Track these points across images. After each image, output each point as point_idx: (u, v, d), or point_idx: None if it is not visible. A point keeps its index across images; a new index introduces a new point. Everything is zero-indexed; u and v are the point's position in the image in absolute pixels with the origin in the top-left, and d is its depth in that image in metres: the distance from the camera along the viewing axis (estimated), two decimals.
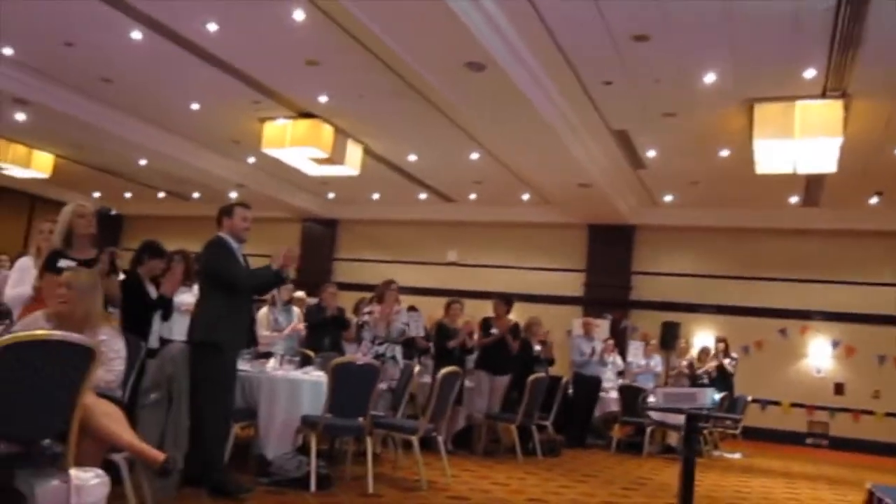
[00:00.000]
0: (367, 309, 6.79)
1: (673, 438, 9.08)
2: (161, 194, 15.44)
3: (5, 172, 13.00)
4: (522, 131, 8.71)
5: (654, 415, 8.75)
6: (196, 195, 15.12)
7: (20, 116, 10.24)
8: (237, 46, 7.84)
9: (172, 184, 14.28)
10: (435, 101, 8.59)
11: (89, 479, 3.15)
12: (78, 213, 4.37)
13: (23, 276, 4.60)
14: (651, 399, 4.27)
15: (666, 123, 8.90)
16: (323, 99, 9.11)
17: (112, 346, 3.63)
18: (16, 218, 15.42)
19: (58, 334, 3.00)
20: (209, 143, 11.38)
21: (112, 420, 3.30)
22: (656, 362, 10.59)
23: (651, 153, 10.12)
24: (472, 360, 8.15)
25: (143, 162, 12.38)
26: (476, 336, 8.05)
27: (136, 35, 7.68)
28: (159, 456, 3.40)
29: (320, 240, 15.26)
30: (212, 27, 7.38)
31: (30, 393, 2.88)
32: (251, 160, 12.01)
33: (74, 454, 3.10)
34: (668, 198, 12.36)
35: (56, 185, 14.57)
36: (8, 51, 8.42)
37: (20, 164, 12.47)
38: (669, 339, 12.26)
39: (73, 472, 3.09)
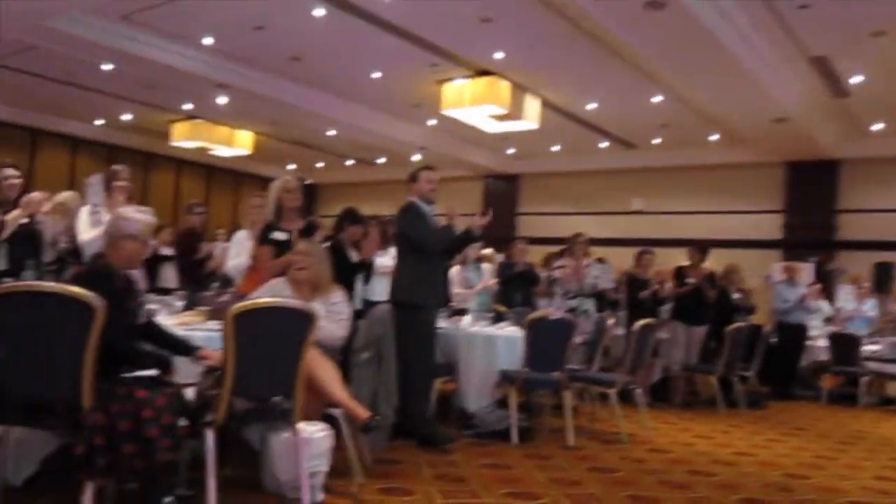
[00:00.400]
0: (557, 263, 6.78)
1: (893, 389, 8.39)
2: (349, 162, 16.19)
3: (212, 153, 14.17)
4: (709, 68, 8.23)
5: (871, 364, 8.12)
6: (381, 160, 15.72)
7: (222, 100, 11.06)
8: (413, 12, 7.98)
9: (359, 151, 14.92)
10: (613, 46, 8.30)
11: (315, 432, 3.42)
12: (285, 187, 4.67)
13: (240, 249, 5.03)
14: (872, 348, 3.95)
15: (874, 44, 8.05)
16: (499, 55, 9.09)
17: (342, 309, 3.93)
18: (225, 194, 16.78)
19: (281, 301, 3.26)
20: (391, 109, 11.73)
21: (328, 376, 3.56)
22: (870, 307, 9.77)
23: (856, 79, 9.22)
24: (665, 310, 7.94)
25: (332, 132, 13.04)
26: (669, 285, 7.83)
27: (319, 12, 8.01)
28: (364, 414, 3.64)
29: (502, 196, 15.36)
30: None
31: (263, 355, 3.16)
32: (432, 122, 12.27)
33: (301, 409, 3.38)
34: (877, 126, 11.23)
35: (256, 161, 15.68)
36: (208, 41, 9.10)
37: (224, 143, 13.53)
38: (884, 281, 11.23)
39: (301, 425, 3.37)
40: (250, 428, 3.59)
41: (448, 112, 10.34)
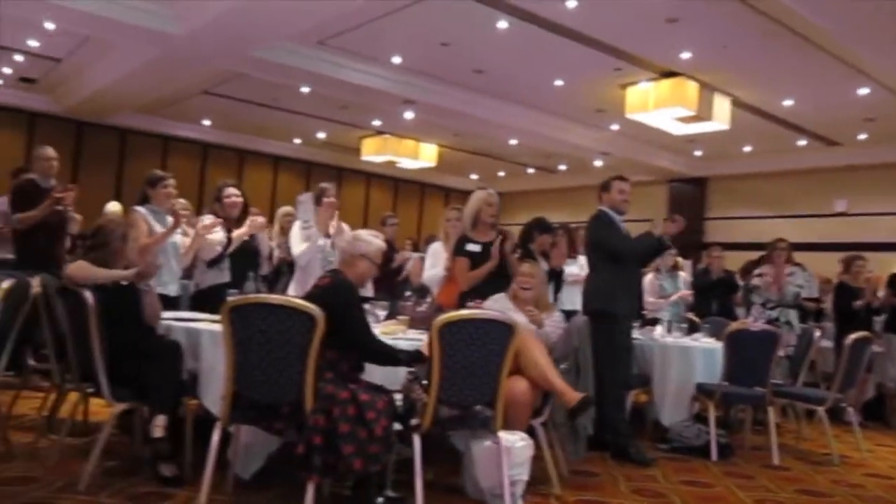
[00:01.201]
0: (757, 271, 6.44)
1: None
2: (530, 170, 16.27)
3: (399, 165, 14.75)
4: None
5: None
6: (562, 167, 15.66)
7: (409, 115, 11.50)
8: (596, 18, 7.89)
9: (541, 159, 14.95)
10: (812, 38, 7.77)
11: (516, 441, 3.48)
12: (487, 201, 4.78)
13: (435, 259, 5.21)
14: None
15: None
16: (685, 56, 8.79)
17: (558, 325, 4.11)
18: (410, 205, 17.39)
19: (484, 313, 3.37)
20: (573, 115, 11.67)
21: (543, 360, 3.65)
22: None
23: None
24: (878, 322, 7.30)
25: (513, 141, 13.17)
26: (882, 294, 7.19)
27: (502, 24, 8.13)
28: (575, 396, 3.68)
29: (689, 200, 14.78)
30: (570, 3, 7.52)
31: (466, 364, 3.26)
32: (614, 127, 12.07)
33: (502, 419, 3.45)
34: None
35: (440, 172, 16.14)
36: (396, 59, 9.50)
37: (410, 156, 14.04)
38: None
39: (502, 434, 3.45)
40: (455, 434, 3.71)
41: (632, 116, 10.12)
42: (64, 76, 11.15)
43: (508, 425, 3.54)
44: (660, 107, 9.69)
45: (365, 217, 15.33)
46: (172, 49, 8.62)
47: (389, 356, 3.40)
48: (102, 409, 4.54)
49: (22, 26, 8.78)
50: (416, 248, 10.03)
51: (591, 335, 4.22)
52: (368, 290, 7.11)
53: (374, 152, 13.95)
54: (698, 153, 13.79)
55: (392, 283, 7.28)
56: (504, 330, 3.31)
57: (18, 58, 10.29)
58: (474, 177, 17.40)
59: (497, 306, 4.14)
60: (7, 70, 10.92)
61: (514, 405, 3.58)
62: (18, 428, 4.47)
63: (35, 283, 3.70)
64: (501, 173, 16.84)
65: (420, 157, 14.13)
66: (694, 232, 13.95)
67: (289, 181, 15.41)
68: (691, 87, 9.54)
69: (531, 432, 3.73)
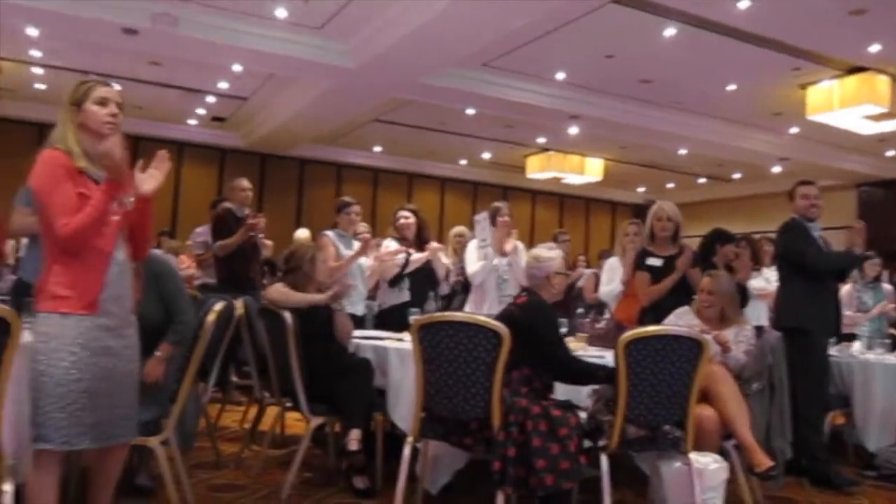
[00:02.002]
0: None
1: None
2: (701, 180, 15.66)
3: (564, 181, 14.67)
4: None
5: None
6: (736, 175, 14.96)
7: (573, 130, 11.43)
8: (771, 17, 7.50)
9: (712, 168, 14.36)
10: None
11: (709, 463, 3.33)
12: (657, 215, 4.66)
13: (612, 275, 5.13)
14: None
15: None
16: (874, 49, 8.15)
17: (749, 338, 3.94)
18: (576, 220, 17.19)
19: (672, 329, 3.27)
20: (748, 120, 11.13)
21: (737, 410, 3.48)
22: None
23: None
24: None
25: (682, 151, 12.74)
26: None
27: (670, 32, 7.91)
28: (764, 462, 3.46)
29: (881, 204, 13.64)
30: (743, 4, 7.20)
31: (654, 382, 3.18)
32: (794, 130, 11.39)
33: (693, 440, 3.32)
34: None
35: (606, 186, 15.90)
36: (561, 76, 9.49)
37: (576, 171, 13.93)
38: None
39: (693, 455, 3.31)
40: (640, 454, 3.62)
41: (814, 117, 9.50)
42: (249, 113, 12.05)
43: (698, 447, 3.40)
44: (846, 105, 9.04)
45: (531, 234, 15.34)
46: (347, 81, 9.10)
47: (589, 373, 3.40)
48: (296, 423, 4.84)
49: (214, 70, 9.60)
50: (588, 265, 9.90)
51: (786, 353, 3.98)
52: None
53: (539, 169, 13.97)
54: (891, 153, 12.70)
55: (565, 299, 7.22)
56: (693, 346, 3.20)
57: (210, 99, 11.24)
58: (641, 190, 16.99)
59: (681, 322, 4.00)
60: (201, 111, 11.96)
61: (701, 431, 3.43)
62: (225, 439, 4.83)
63: (238, 305, 3.99)
64: (671, 185, 16.32)
65: (586, 171, 13.99)
66: (889, 239, 12.82)
67: (456, 202, 15.75)
68: (882, 82, 8.82)
69: (724, 454, 3.56)
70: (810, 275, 4.37)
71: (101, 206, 2.39)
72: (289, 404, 3.95)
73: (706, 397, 3.51)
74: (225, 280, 5.77)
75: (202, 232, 6.60)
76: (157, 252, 4.55)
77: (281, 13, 7.73)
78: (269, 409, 4.58)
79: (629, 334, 3.16)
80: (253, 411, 4.82)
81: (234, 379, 5.04)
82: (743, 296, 5.10)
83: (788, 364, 3.99)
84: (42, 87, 10.84)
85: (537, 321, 3.30)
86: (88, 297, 2.42)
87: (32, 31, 8.21)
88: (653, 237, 4.65)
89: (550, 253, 3.61)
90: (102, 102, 2.51)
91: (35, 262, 3.90)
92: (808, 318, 4.32)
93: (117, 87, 2.61)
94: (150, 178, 2.52)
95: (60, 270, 2.42)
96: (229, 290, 5.28)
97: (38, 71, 10.14)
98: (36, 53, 9.37)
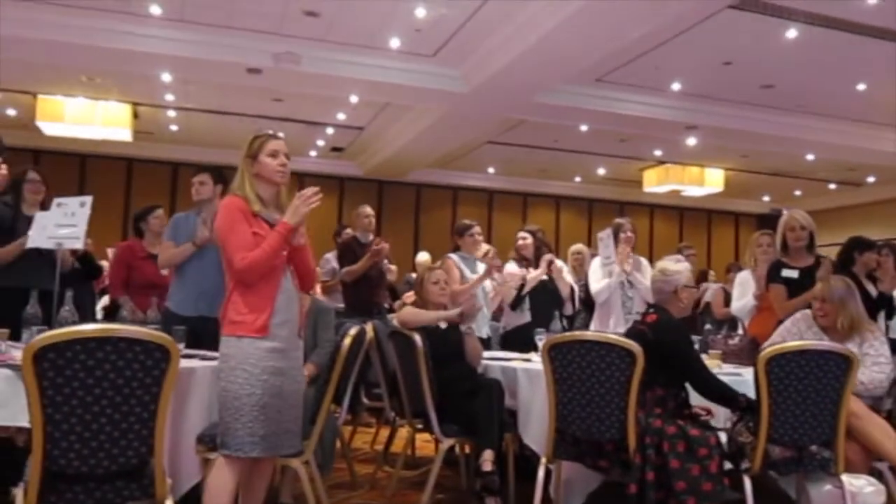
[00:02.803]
0: None
1: None
2: (832, 185, 14.87)
3: (683, 194, 14.28)
4: None
5: None
6: (870, 179, 14.11)
7: (691, 141, 11.12)
8: None
9: (843, 172, 13.60)
10: None
11: (863, 486, 3.15)
12: (789, 225, 4.47)
13: (744, 289, 4.94)
14: None
15: None
16: None
17: (880, 351, 3.64)
18: (698, 233, 16.64)
19: (813, 344, 3.11)
20: (882, 120, 10.47)
21: (880, 432, 3.27)
22: None
23: None
24: None
25: (810, 157, 12.15)
26: None
27: (792, 33, 7.60)
28: None
29: None
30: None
31: (799, 400, 3.04)
32: None
33: (843, 461, 3.14)
34: None
35: (727, 197, 15.34)
36: (676, 86, 9.28)
37: (695, 183, 13.53)
38: None
39: (845, 478, 3.13)
40: (789, 479, 3.45)
41: None
42: (366, 142, 12.41)
43: (849, 468, 3.21)
44: None
45: (650, 249, 14.97)
46: (460, 106, 9.25)
47: (728, 396, 3.28)
48: (426, 444, 4.91)
49: (332, 102, 9.97)
50: (706, 278, 9.56)
51: None
52: None
53: (656, 183, 13.66)
54: None
55: (691, 315, 7.01)
56: (841, 361, 3.04)
57: (329, 130, 11.66)
58: (766, 199, 16.29)
59: (794, 329, 3.79)
60: (321, 142, 12.42)
61: (847, 464, 3.23)
62: (357, 460, 4.95)
63: (368, 329, 4.11)
64: (798, 192, 15.57)
65: (706, 183, 13.57)
66: None
67: (571, 219, 15.61)
68: None
69: (877, 476, 3.35)
70: None
71: (276, 244, 2.73)
72: (419, 426, 4.02)
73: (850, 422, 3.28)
74: (353, 305, 5.95)
75: (330, 258, 6.84)
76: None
77: (395, 43, 7.96)
78: (400, 430, 4.66)
79: (770, 350, 3.04)
80: (384, 433, 4.93)
81: (365, 401, 5.16)
82: (890, 306, 4.80)
83: None
84: (175, 128, 11.58)
85: (674, 341, 3.22)
86: (260, 322, 2.72)
87: (166, 77, 8.80)
88: (786, 248, 4.45)
89: (678, 266, 3.52)
90: (274, 154, 2.85)
91: (180, 293, 4.19)
92: None
93: (281, 134, 2.96)
94: (293, 211, 2.80)
95: (237, 299, 2.76)
96: (357, 315, 5.45)
97: (171, 114, 10.84)
98: (169, 97, 10.02)
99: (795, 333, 3.85)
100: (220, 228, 2.80)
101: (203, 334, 3.67)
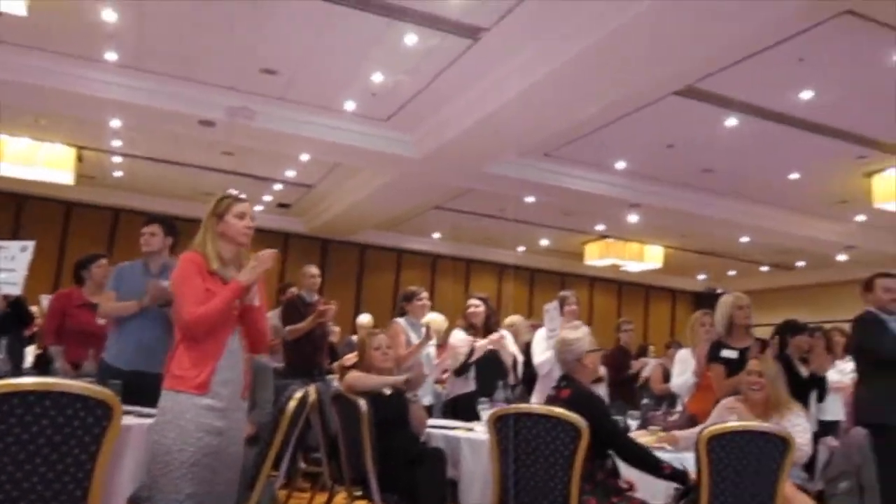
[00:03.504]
0: None
1: None
2: (764, 268, 15.41)
3: (623, 268, 14.59)
4: None
5: None
6: (800, 263, 14.68)
7: (633, 218, 11.43)
8: (834, 106, 7.50)
9: (775, 255, 14.13)
10: None
11: None
12: (737, 304, 4.61)
13: (684, 367, 5.05)
14: None
15: None
16: None
17: (803, 427, 3.75)
18: (636, 307, 16.93)
19: (754, 425, 3.18)
20: (811, 209, 10.99)
21: None
22: None
23: None
24: None
25: (745, 239, 12.59)
26: None
27: (731, 122, 7.96)
28: None
29: None
30: (806, 95, 7.24)
31: (735, 482, 3.08)
32: (860, 218, 11.18)
33: None
34: None
35: (665, 274, 15.73)
36: (621, 165, 9.59)
37: (635, 259, 13.86)
38: None
39: None
40: None
41: (882, 206, 9.35)
42: (314, 200, 12.41)
43: None
44: None
45: (590, 321, 15.12)
46: (411, 171, 9.35)
47: (650, 464, 3.30)
48: None
49: (283, 159, 9.97)
50: (645, 352, 9.72)
51: (874, 450, 3.82)
52: (603, 397, 7.05)
53: (597, 256, 13.94)
54: None
55: (630, 389, 7.11)
56: (779, 443, 3.11)
57: (278, 186, 11.62)
58: (702, 277, 16.76)
59: (719, 420, 3.86)
60: (268, 198, 12.35)
61: None
62: None
63: (311, 392, 4.04)
64: (732, 272, 16.08)
65: (645, 259, 13.92)
66: None
67: (513, 288, 15.74)
68: None
69: None
70: (889, 368, 4.23)
71: (225, 301, 2.76)
72: (358, 493, 3.93)
73: None
74: (294, 365, 5.85)
75: (271, 317, 6.73)
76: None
77: (350, 106, 8.05)
78: (337, 497, 4.55)
79: (712, 429, 3.09)
80: (319, 499, 4.79)
81: (302, 465, 5.03)
82: (821, 388, 4.95)
83: (877, 462, 3.83)
84: (119, 174, 11.38)
85: (592, 414, 3.20)
86: (200, 379, 2.72)
87: (116, 123, 8.69)
88: (729, 327, 4.58)
89: (577, 333, 3.56)
90: (241, 216, 2.91)
91: (118, 345, 4.06)
92: (891, 413, 4.15)
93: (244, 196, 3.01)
94: (249, 271, 2.86)
95: (182, 353, 2.76)
96: (298, 376, 5.36)
97: (117, 160, 10.67)
98: (117, 143, 9.88)
99: (722, 414, 3.93)
100: (175, 281, 2.85)
101: (140, 389, 3.55)
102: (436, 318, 8.23)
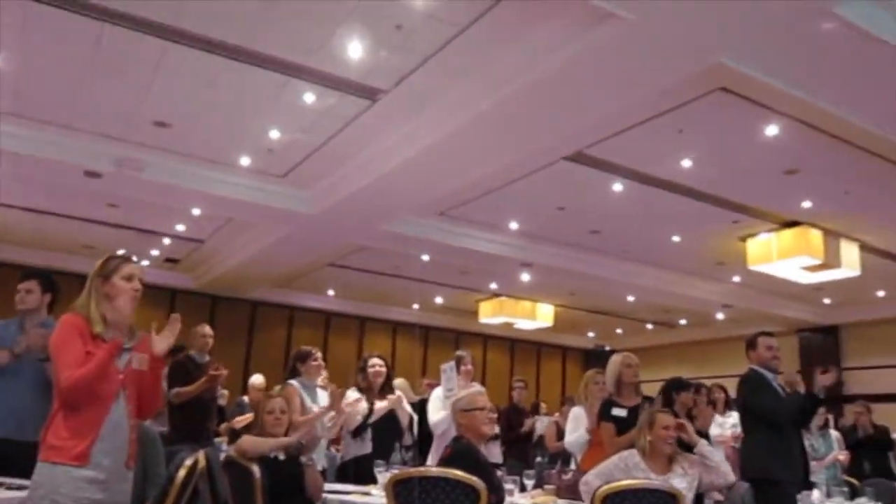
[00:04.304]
0: None
1: None
2: (649, 326, 16.02)
3: (516, 326, 14.84)
4: None
5: None
6: (682, 322, 15.35)
7: (525, 277, 11.70)
8: (712, 174, 8.00)
9: (659, 314, 14.74)
10: None
11: None
12: (626, 363, 4.76)
13: (577, 424, 5.13)
14: None
15: None
16: (806, 205, 8.71)
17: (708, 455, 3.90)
18: (528, 365, 17.21)
19: (648, 483, 3.26)
20: (693, 270, 11.58)
21: None
22: None
23: None
24: None
25: (631, 298, 13.09)
26: None
27: (618, 187, 8.34)
28: None
29: (820, 350, 14.05)
30: (686, 163, 7.69)
31: None
32: (736, 279, 11.87)
33: None
34: None
35: (556, 332, 16.10)
36: (514, 225, 9.83)
37: (527, 317, 14.15)
38: None
39: None
40: None
41: (755, 267, 9.96)
42: (204, 255, 12.06)
43: None
44: (784, 257, 9.53)
45: (483, 379, 15.30)
46: (305, 227, 9.26)
47: None
48: None
49: (172, 213, 9.68)
50: (537, 410, 9.87)
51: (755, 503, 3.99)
52: (497, 456, 7.06)
53: (491, 314, 14.15)
54: (827, 301, 13.27)
55: (524, 447, 7.16)
56: (668, 499, 3.20)
57: (166, 241, 11.25)
58: (591, 335, 17.26)
59: (622, 464, 3.95)
60: (155, 252, 11.91)
61: None
62: None
63: (201, 458, 3.86)
64: (619, 330, 16.64)
65: (537, 317, 14.23)
66: (830, 386, 13.13)
67: (407, 346, 15.70)
68: (815, 236, 9.37)
69: None
70: (773, 425, 4.44)
71: (101, 362, 2.60)
72: None
73: None
74: (180, 429, 5.56)
75: None
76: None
77: (245, 161, 7.94)
78: None
79: (606, 488, 3.15)
80: None
81: None
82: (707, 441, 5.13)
83: None
84: None
85: (467, 466, 3.25)
86: (79, 449, 2.55)
87: None
88: (618, 385, 4.71)
89: (464, 392, 3.69)
90: (129, 278, 2.81)
91: None
92: (774, 468, 4.35)
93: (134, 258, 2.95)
94: (163, 340, 2.79)
95: (59, 422, 2.59)
96: (185, 441, 5.12)
97: None
98: None
99: (623, 469, 3.98)
100: (53, 344, 2.68)
101: (9, 459, 3.31)
102: (255, 381, 8.11)
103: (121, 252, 2.94)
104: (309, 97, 6.46)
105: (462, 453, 3.44)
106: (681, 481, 3.67)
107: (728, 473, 3.89)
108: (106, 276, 2.79)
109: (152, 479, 3.54)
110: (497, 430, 6.79)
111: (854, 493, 5.63)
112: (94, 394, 2.59)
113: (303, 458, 3.75)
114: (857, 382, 13.30)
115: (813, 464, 6.21)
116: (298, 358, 5.13)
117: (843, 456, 6.39)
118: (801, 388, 4.64)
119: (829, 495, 5.34)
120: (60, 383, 2.57)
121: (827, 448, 6.37)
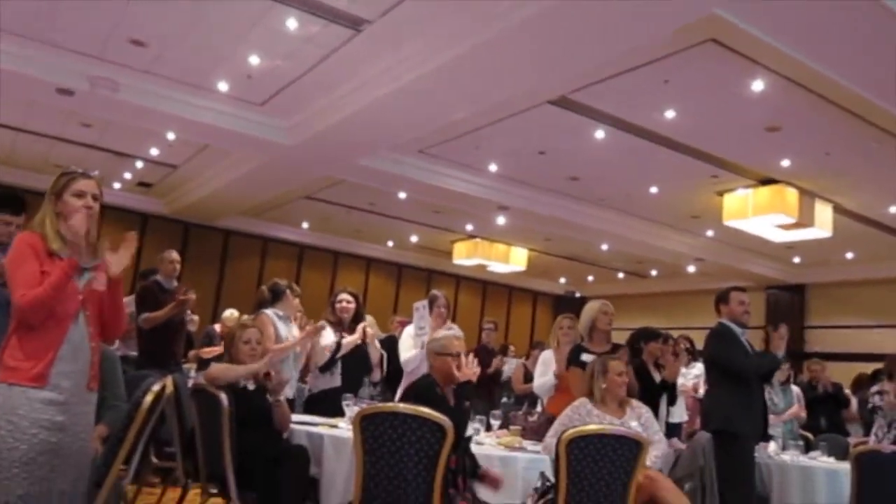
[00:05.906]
0: (875, 388, 6.15)
1: None
2: (620, 275, 16.16)
3: (489, 269, 14.89)
4: None
5: None
6: (654, 272, 15.51)
7: (501, 220, 11.69)
8: (694, 127, 7.98)
9: (632, 264, 14.87)
10: None
11: None
12: (603, 310, 4.79)
13: (546, 368, 5.19)
14: None
15: None
16: (785, 163, 8.74)
17: (654, 423, 3.95)
18: (499, 307, 17.32)
19: (611, 429, 3.31)
20: (668, 221, 11.64)
21: (671, 494, 3.51)
22: None
23: None
24: None
25: (604, 247, 13.17)
26: None
27: (600, 134, 8.28)
28: None
29: (787, 307, 14.32)
30: (669, 114, 7.64)
31: (591, 482, 3.20)
32: (710, 233, 11.96)
33: None
34: None
35: (528, 276, 16.20)
36: (493, 167, 9.76)
37: (501, 260, 14.19)
38: None
39: None
40: None
41: (730, 223, 10.03)
42: (178, 181, 11.86)
43: None
44: (759, 214, 9.58)
45: (454, 319, 15.35)
46: (282, 158, 9.11)
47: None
48: None
49: (147, 136, 9.45)
50: (506, 352, 9.97)
51: (715, 454, 4.08)
52: None
53: (465, 256, 14.16)
54: (797, 260, 13.46)
55: (491, 388, 7.25)
56: (633, 446, 3.25)
57: (139, 164, 11.02)
58: (563, 281, 17.38)
59: (577, 415, 4.02)
60: (127, 175, 11.68)
61: None
62: None
63: (168, 384, 3.85)
64: (590, 278, 16.77)
65: (510, 261, 14.26)
66: (794, 341, 13.43)
67: (380, 283, 15.73)
68: (791, 195, 9.43)
69: None
70: (738, 379, 4.52)
71: (57, 282, 2.54)
72: (214, 490, 3.79)
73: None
74: (148, 354, 5.56)
75: (127, 302, 6.36)
76: None
77: (223, 87, 7.74)
78: (191, 493, 4.36)
79: (571, 432, 3.19)
80: (171, 494, 4.59)
81: (154, 460, 4.79)
82: (673, 392, 5.22)
83: (718, 465, 4.09)
84: None
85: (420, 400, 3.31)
86: (37, 370, 2.53)
87: None
88: (591, 333, 4.75)
89: (441, 332, 3.74)
90: (79, 195, 2.72)
91: None
92: (737, 421, 4.44)
93: (95, 174, 2.86)
94: (118, 260, 2.70)
95: (16, 343, 2.57)
96: (153, 366, 5.12)
97: None
98: None
99: (578, 418, 4.05)
100: (9, 264, 2.64)
101: None
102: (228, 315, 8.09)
103: (76, 168, 2.82)
104: (292, 23, 6.26)
105: (417, 389, 3.50)
106: (636, 424, 3.77)
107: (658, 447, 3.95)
108: (57, 193, 2.73)
109: (110, 402, 3.44)
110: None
111: (808, 447, 5.79)
112: (51, 314, 2.55)
113: (270, 398, 3.74)
114: (818, 341, 13.60)
115: (771, 418, 6.37)
116: (274, 291, 5.09)
117: (802, 412, 6.55)
118: (780, 352, 4.68)
119: (784, 448, 5.51)
120: (16, 302, 2.54)
121: (787, 403, 6.51)
